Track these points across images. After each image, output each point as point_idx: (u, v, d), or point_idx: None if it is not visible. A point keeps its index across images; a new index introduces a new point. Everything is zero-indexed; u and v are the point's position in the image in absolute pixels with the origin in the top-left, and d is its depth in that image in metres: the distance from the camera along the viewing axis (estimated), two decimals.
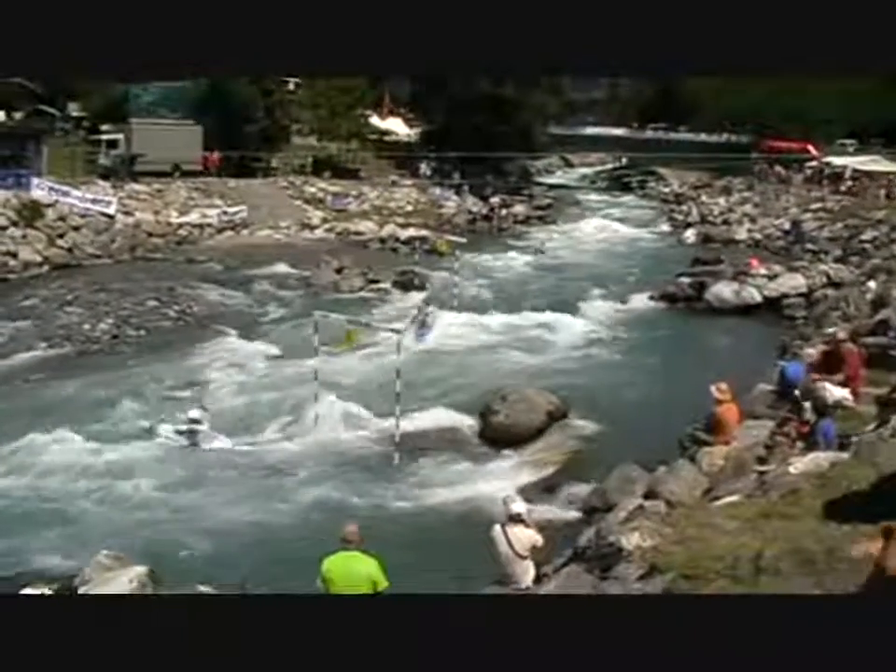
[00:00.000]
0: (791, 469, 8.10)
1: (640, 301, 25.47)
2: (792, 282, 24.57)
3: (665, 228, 43.92)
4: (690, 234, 39.54)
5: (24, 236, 27.47)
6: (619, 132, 68.14)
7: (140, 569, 8.63)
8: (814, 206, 40.37)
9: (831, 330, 14.84)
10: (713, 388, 11.00)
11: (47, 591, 7.02)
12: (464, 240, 28.29)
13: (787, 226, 37.40)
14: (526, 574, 8.08)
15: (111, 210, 31.09)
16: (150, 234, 31.97)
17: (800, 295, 24.02)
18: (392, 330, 14.56)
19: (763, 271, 25.55)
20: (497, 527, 8.12)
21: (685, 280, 25.64)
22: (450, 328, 21.91)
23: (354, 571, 6.60)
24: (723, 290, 24.24)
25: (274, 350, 19.66)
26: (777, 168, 50.02)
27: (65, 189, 30.44)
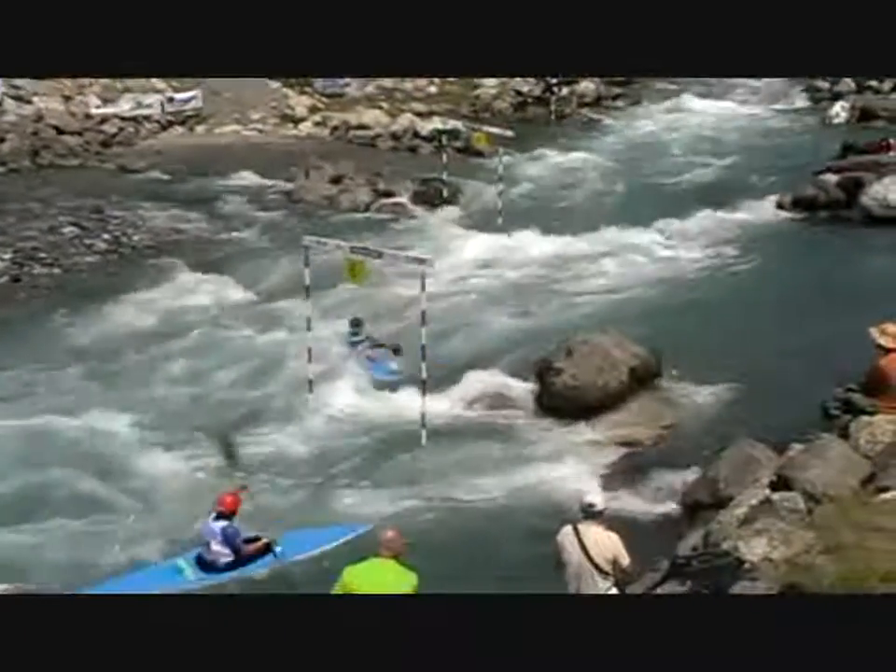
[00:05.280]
0: None
1: (763, 209, 25.11)
2: None
3: (801, 102, 42.93)
4: (839, 110, 38.50)
5: None
6: None
7: None
8: None
9: None
10: (874, 332, 10.78)
11: None
12: (510, 132, 27.91)
13: None
14: (605, 594, 7.93)
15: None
16: (60, 131, 31.97)
17: None
18: (415, 260, 14.45)
19: None
20: (568, 528, 7.99)
21: (831, 178, 25.04)
22: (491, 254, 22.11)
23: (386, 582, 6.92)
24: (891, 190, 23.62)
25: (249, 293, 19.88)
26: None
27: None
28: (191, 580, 10.56)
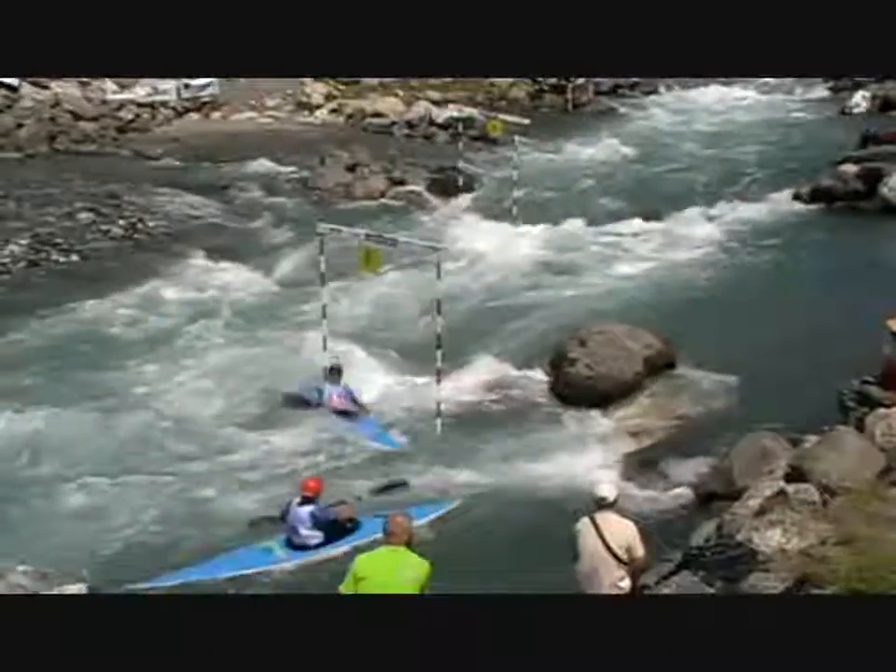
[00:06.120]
0: None
1: (780, 200, 24.99)
2: None
3: (821, 91, 42.59)
4: (860, 100, 38.13)
5: None
6: None
7: (73, 590, 8.95)
8: None
9: None
10: (893, 324, 10.84)
11: None
12: (526, 121, 27.85)
13: None
14: (618, 584, 7.93)
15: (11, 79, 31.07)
16: (78, 117, 31.92)
17: None
18: (430, 248, 14.45)
19: None
20: (585, 519, 8.03)
21: (850, 168, 24.84)
22: (505, 244, 22.01)
23: (400, 571, 6.83)
24: None
25: (265, 280, 19.87)
26: None
27: None
28: (284, 557, 10.75)
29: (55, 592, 8.97)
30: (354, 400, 14.24)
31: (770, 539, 7.57)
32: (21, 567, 9.40)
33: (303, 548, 10.85)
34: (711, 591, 7.50)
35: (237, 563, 10.54)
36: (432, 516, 11.39)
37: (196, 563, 10.50)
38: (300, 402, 14.29)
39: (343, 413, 14.11)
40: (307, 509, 10.80)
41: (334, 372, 14.42)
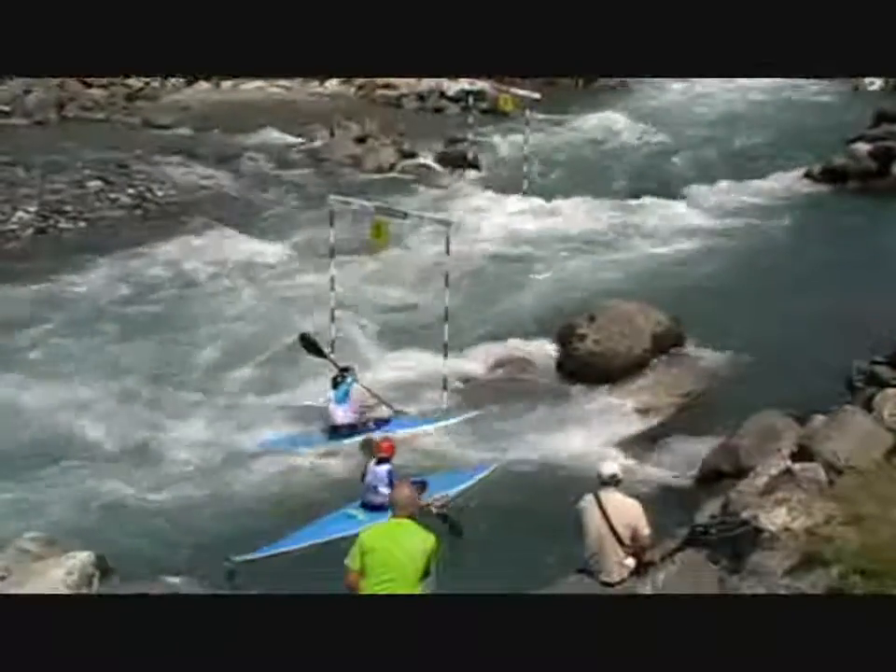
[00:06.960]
0: None
1: (791, 179, 24.83)
2: None
3: None
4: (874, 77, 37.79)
5: None
6: None
7: (82, 556, 8.86)
8: None
9: None
10: None
11: None
12: (537, 95, 27.66)
13: None
14: (623, 562, 7.96)
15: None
16: (87, 84, 31.83)
17: None
18: (439, 222, 14.40)
19: None
20: (589, 496, 8.04)
21: (862, 147, 24.67)
22: (512, 219, 22.02)
23: (406, 544, 6.84)
24: None
25: (274, 251, 19.87)
26: None
27: None
28: (367, 521, 10.59)
29: (63, 558, 8.91)
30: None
31: (776, 517, 7.58)
32: (28, 534, 9.40)
33: (381, 508, 10.59)
34: (716, 568, 7.52)
35: (326, 531, 10.63)
36: (469, 482, 11.51)
37: (286, 535, 10.52)
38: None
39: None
40: (385, 467, 10.83)
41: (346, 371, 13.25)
